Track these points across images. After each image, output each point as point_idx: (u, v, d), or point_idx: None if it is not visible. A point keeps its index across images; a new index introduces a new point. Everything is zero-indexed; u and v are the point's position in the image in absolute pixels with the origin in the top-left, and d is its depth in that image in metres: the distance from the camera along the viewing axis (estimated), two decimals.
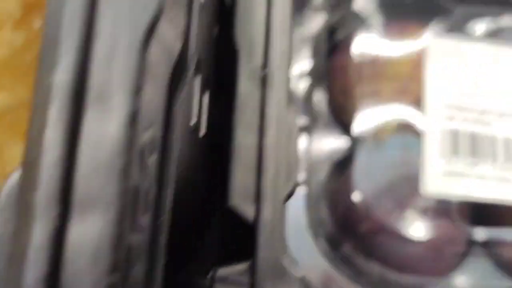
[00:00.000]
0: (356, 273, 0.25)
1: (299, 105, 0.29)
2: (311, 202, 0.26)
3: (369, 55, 0.28)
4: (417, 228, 0.24)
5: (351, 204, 0.25)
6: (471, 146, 0.24)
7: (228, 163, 0.16)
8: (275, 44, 0.17)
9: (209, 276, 0.15)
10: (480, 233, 0.24)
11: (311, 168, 0.27)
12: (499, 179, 0.23)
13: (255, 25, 0.18)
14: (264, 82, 0.17)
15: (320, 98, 0.29)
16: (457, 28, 0.26)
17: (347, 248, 0.26)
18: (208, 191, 0.17)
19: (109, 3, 0.10)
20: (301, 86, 0.29)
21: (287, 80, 0.17)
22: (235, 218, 0.16)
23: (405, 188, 0.24)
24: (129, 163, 0.09)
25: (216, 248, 0.16)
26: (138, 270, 0.10)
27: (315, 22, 0.30)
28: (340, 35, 0.29)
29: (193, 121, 0.15)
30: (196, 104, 0.15)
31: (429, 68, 0.25)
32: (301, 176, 0.27)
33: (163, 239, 0.11)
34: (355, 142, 0.27)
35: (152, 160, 0.11)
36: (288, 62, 0.17)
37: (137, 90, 0.10)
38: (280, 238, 0.16)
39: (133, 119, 0.10)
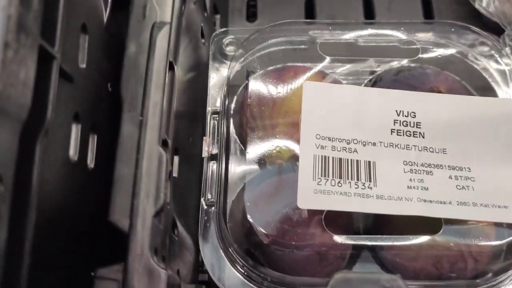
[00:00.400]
0: (260, 277, 0.30)
1: (211, 138, 0.34)
2: (220, 220, 0.31)
3: (267, 96, 0.33)
4: (298, 237, 0.28)
5: (245, 220, 0.30)
6: (338, 169, 0.29)
7: (111, 187, 0.21)
8: (150, 97, 0.23)
9: (92, 274, 0.20)
10: (368, 240, 0.29)
11: (222, 190, 0.32)
12: (361, 195, 0.28)
13: (136, 82, 0.23)
14: (141, 126, 0.22)
15: (230, 131, 0.34)
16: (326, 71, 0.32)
17: (249, 258, 0.30)
18: (95, 209, 0.22)
19: None
20: (213, 122, 0.35)
21: (159, 124, 0.22)
22: (114, 229, 0.21)
23: (287, 204, 0.29)
24: None
25: (98, 252, 0.21)
26: None
27: (228, 69, 0.35)
28: (245, 79, 0.35)
29: (75, 156, 0.20)
30: (76, 146, 0.20)
31: (304, 105, 0.30)
32: (213, 197, 0.32)
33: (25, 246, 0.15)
34: (261, 167, 0.32)
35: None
36: (160, 110, 0.23)
37: None
38: (149, 245, 0.21)
39: None
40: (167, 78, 0.23)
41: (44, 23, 0.16)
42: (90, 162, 0.22)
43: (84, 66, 0.21)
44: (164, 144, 0.23)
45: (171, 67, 0.24)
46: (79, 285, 0.20)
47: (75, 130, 0.20)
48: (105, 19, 0.23)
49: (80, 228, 0.21)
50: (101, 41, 0.23)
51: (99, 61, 0.23)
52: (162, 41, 0.23)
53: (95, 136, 0.22)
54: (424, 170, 0.29)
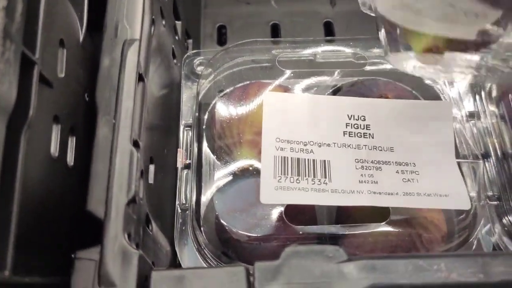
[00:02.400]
0: None
1: (184, 149, 0.37)
2: (194, 222, 0.34)
3: (234, 110, 0.37)
4: (263, 231, 0.31)
5: (217, 221, 0.33)
6: (296, 168, 0.32)
7: (88, 181, 0.24)
8: (122, 104, 0.26)
9: (72, 256, 0.23)
10: (325, 229, 0.32)
11: (195, 196, 0.35)
12: (317, 190, 0.31)
13: (110, 91, 0.26)
14: (114, 128, 0.25)
15: (202, 143, 0.37)
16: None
17: (223, 256, 0.33)
18: (75, 200, 0.25)
19: None
20: (186, 135, 0.38)
21: (130, 126, 0.26)
22: (92, 218, 0.24)
23: (252, 202, 0.32)
24: None
25: (78, 238, 0.24)
26: None
27: (198, 87, 0.39)
28: (215, 96, 0.38)
29: (55, 153, 0.23)
30: (56, 144, 0.23)
31: (265, 113, 0.34)
32: (187, 202, 0.35)
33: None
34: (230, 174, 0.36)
35: None
36: (131, 115, 0.26)
37: None
38: (122, 229, 0.24)
39: None
40: (137, 88, 0.27)
41: (26, 33, 0.19)
42: (70, 160, 0.25)
43: (62, 75, 0.24)
44: (135, 144, 0.26)
45: (140, 78, 0.27)
46: (62, 266, 0.23)
47: (55, 130, 0.23)
48: (81, 37, 0.26)
49: (62, 217, 0.24)
50: (77, 56, 0.26)
51: (76, 73, 0.26)
52: (132, 55, 0.27)
53: (74, 138, 0.25)
54: (374, 166, 0.33)
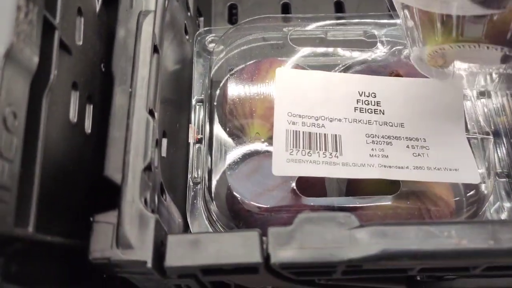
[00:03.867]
0: None
1: (196, 125, 0.38)
2: (206, 196, 0.35)
3: (246, 86, 0.37)
4: (274, 202, 0.32)
5: (229, 193, 0.33)
6: (308, 141, 0.32)
7: (105, 148, 0.25)
8: (138, 73, 0.26)
9: (91, 219, 0.24)
10: (337, 202, 0.32)
11: (206, 169, 0.36)
12: (329, 163, 0.32)
13: (126, 62, 0.27)
14: (130, 97, 0.26)
15: (214, 118, 0.38)
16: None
17: (232, 225, 0.34)
18: (92, 166, 0.25)
19: None
20: (198, 110, 0.38)
21: (146, 95, 0.26)
22: (109, 183, 0.24)
23: (264, 174, 0.33)
24: None
25: (96, 203, 0.25)
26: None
27: (210, 64, 0.39)
28: (226, 73, 0.39)
29: (74, 119, 0.23)
30: (74, 110, 0.23)
31: (277, 89, 0.34)
32: (199, 176, 0.36)
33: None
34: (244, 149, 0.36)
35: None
36: (147, 84, 0.26)
37: None
38: (139, 194, 0.24)
39: None
40: (152, 58, 0.27)
41: None
42: (88, 127, 0.25)
43: (80, 43, 0.24)
44: (151, 113, 0.26)
45: (155, 49, 0.28)
46: (80, 228, 0.23)
47: (74, 97, 0.23)
48: (97, 8, 0.27)
49: (80, 181, 0.24)
50: (94, 25, 0.26)
51: (93, 42, 0.26)
52: (147, 26, 0.27)
53: (91, 106, 0.26)
54: (384, 141, 0.33)
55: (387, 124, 0.34)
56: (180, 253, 0.23)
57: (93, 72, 0.26)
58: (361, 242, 0.23)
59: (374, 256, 0.22)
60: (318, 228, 0.23)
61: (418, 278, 0.28)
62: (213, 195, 0.35)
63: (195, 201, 0.36)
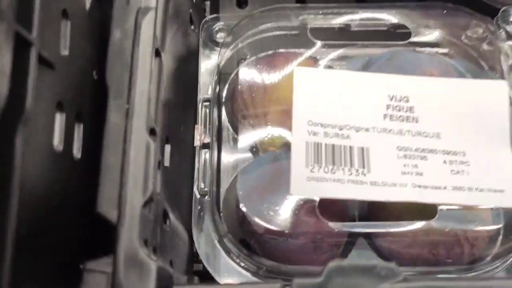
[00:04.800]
0: (256, 267, 0.29)
1: (202, 126, 0.33)
2: (214, 209, 0.31)
3: (258, 83, 0.33)
4: (291, 226, 0.28)
5: (239, 210, 0.30)
6: (331, 156, 0.28)
7: (98, 177, 0.21)
8: (136, 85, 0.22)
9: (81, 267, 0.20)
10: (363, 227, 0.29)
11: (214, 179, 0.32)
12: (355, 181, 0.28)
13: (122, 69, 0.23)
14: (127, 114, 0.22)
15: (222, 119, 0.34)
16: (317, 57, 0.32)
17: (243, 247, 0.30)
18: (82, 200, 0.21)
19: None
20: (204, 110, 0.34)
21: (146, 112, 0.22)
22: (103, 221, 0.21)
23: (280, 193, 0.29)
24: None
25: (87, 245, 0.21)
26: None
27: (219, 56, 0.35)
28: (236, 66, 0.34)
29: (60, 146, 0.19)
30: (60, 135, 0.19)
31: (295, 92, 0.30)
32: (206, 186, 0.32)
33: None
34: (253, 155, 0.32)
35: None
36: (147, 99, 0.22)
37: None
38: (138, 236, 0.20)
39: None
40: (153, 65, 0.23)
41: (20, 8, 0.15)
42: (77, 152, 0.21)
43: (66, 53, 0.20)
44: (152, 132, 0.22)
45: (157, 53, 0.23)
46: (68, 278, 0.20)
47: (59, 119, 0.19)
48: (87, 5, 0.22)
49: (67, 220, 0.20)
50: (84, 27, 0.22)
51: (83, 48, 0.22)
52: (147, 26, 0.23)
53: (81, 125, 0.21)
54: (418, 155, 0.29)
55: (422, 135, 0.29)
56: None
57: (83, 83, 0.22)
58: None
59: None
60: (352, 281, 0.19)
61: None
62: (221, 209, 0.31)
63: (201, 214, 0.32)
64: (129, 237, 0.20)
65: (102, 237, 0.20)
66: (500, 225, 0.29)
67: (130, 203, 0.20)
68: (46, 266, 0.20)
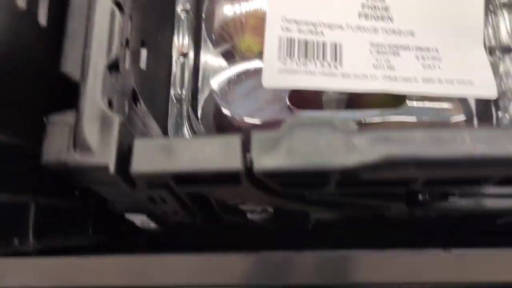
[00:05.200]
0: None
1: (181, 36, 0.34)
2: (190, 112, 0.31)
3: None
4: (265, 116, 0.29)
5: (217, 109, 0.30)
6: (304, 50, 0.29)
7: (63, 41, 0.21)
8: None
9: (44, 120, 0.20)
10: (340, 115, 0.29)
11: (191, 84, 0.32)
12: (327, 73, 0.28)
13: None
14: None
15: (202, 29, 0.34)
16: None
17: None
18: (48, 62, 0.22)
19: None
20: (184, 21, 0.34)
21: None
22: (67, 79, 0.21)
23: (254, 88, 0.29)
24: None
25: (51, 103, 0.21)
26: None
27: None
28: None
29: (23, 4, 0.20)
30: None
31: None
32: (182, 91, 0.32)
33: None
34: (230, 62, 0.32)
35: None
36: None
37: None
38: (101, 92, 0.21)
39: None
40: None
41: None
42: (42, 19, 0.22)
43: None
44: (118, 6, 0.23)
45: None
46: (32, 129, 0.20)
47: None
48: None
49: (33, 77, 0.21)
50: None
51: None
52: None
53: None
54: (391, 51, 0.29)
55: (396, 33, 0.30)
56: (149, 158, 0.20)
57: None
58: (359, 148, 0.19)
59: (374, 162, 0.19)
60: (310, 133, 0.20)
61: (420, 198, 0.25)
62: (199, 114, 0.32)
63: (178, 119, 0.32)
64: (91, 92, 0.21)
65: (67, 97, 0.21)
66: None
67: (94, 63, 0.21)
68: (11, 119, 0.20)
